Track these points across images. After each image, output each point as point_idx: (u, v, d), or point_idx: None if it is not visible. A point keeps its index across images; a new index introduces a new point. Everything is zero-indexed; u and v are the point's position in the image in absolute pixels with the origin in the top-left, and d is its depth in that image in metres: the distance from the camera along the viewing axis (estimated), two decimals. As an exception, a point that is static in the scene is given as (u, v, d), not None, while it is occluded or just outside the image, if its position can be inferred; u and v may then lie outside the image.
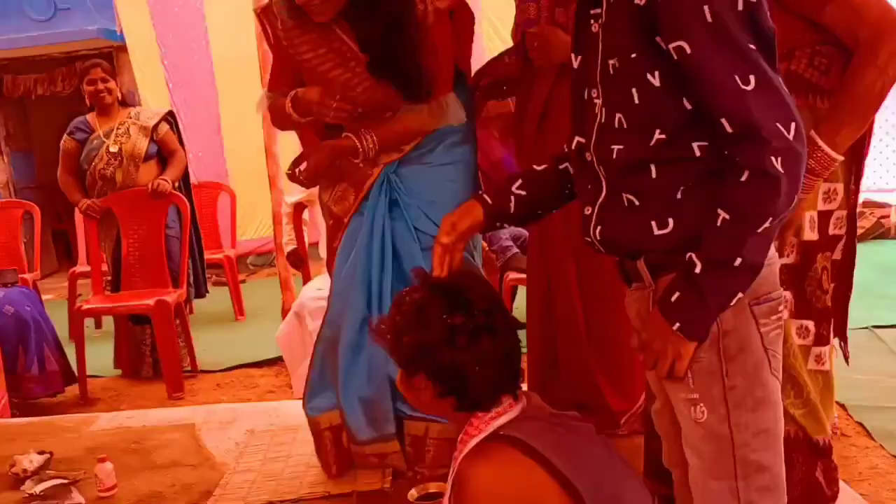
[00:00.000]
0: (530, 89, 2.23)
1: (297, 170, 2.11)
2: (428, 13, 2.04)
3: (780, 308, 1.29)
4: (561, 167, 1.50)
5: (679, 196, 1.23)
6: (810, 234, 1.72)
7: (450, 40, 2.10)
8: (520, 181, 1.52)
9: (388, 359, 1.92)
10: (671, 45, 1.15)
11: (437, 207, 2.05)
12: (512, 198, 1.51)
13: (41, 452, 2.61)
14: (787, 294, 1.72)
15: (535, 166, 1.55)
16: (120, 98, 4.11)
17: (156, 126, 4.06)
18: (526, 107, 2.26)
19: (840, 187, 1.72)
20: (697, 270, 1.18)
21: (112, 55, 6.68)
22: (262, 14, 2.17)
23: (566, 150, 1.47)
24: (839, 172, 1.70)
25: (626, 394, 2.32)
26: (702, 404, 1.26)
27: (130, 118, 4.06)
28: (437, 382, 1.37)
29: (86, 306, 3.96)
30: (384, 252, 2.18)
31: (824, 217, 1.73)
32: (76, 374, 3.83)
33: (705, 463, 1.28)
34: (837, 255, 1.76)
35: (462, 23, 2.14)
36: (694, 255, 1.19)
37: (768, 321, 1.26)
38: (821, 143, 1.58)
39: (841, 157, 1.60)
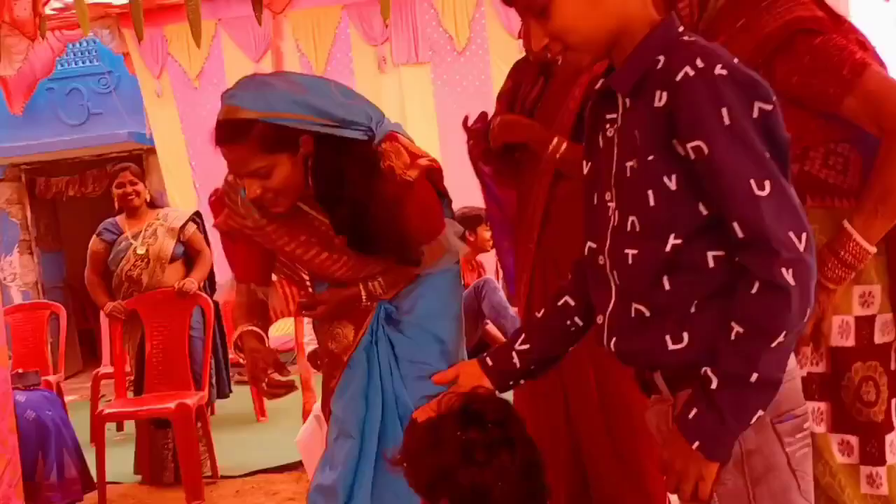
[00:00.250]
0: (529, 191, 2.17)
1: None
2: (399, 188, 1.83)
3: (805, 426, 1.23)
4: (560, 303, 1.45)
5: (693, 309, 1.18)
6: (841, 341, 1.60)
7: (431, 196, 1.94)
8: (522, 336, 1.46)
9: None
10: (689, 146, 1.13)
11: (434, 321, 1.98)
12: (515, 355, 1.45)
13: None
14: (822, 405, 1.62)
15: (535, 314, 1.50)
16: (148, 200, 4.17)
17: (183, 227, 4.10)
18: (525, 209, 2.17)
19: (877, 289, 1.61)
20: (714, 386, 1.13)
21: (142, 157, 6.86)
22: (226, 218, 1.99)
23: (567, 280, 1.45)
24: (873, 273, 1.60)
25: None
26: None
27: (158, 220, 4.11)
28: None
29: (107, 410, 3.92)
30: (384, 396, 1.96)
31: (864, 323, 1.60)
32: (95, 480, 3.74)
33: None
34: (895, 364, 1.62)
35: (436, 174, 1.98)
36: (709, 370, 1.14)
37: (793, 439, 1.20)
38: (854, 234, 1.51)
39: (874, 249, 1.53)
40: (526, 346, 1.44)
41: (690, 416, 1.15)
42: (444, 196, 2.03)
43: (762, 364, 1.11)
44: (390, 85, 6.06)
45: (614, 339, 1.27)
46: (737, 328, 1.12)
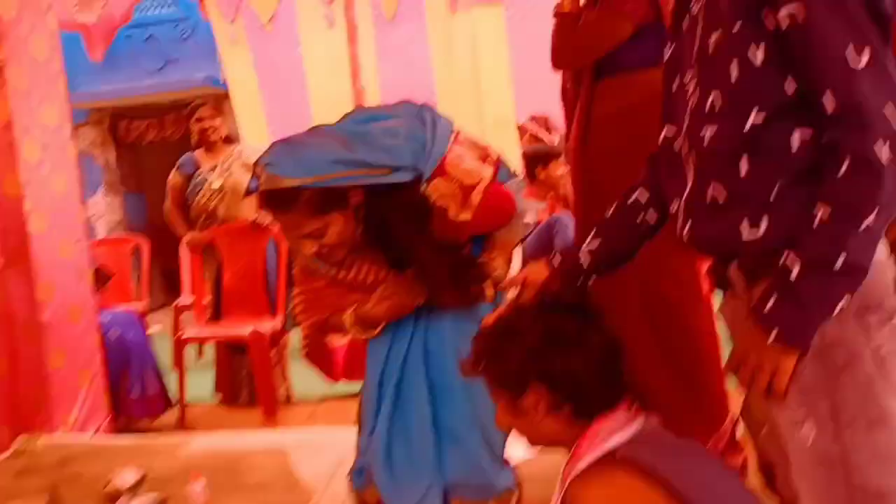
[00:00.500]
0: (573, 105, 2.19)
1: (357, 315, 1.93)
2: (454, 226, 1.81)
3: (894, 321, 1.15)
4: (630, 199, 1.42)
5: (774, 194, 1.13)
6: None
7: (489, 214, 1.87)
8: (591, 235, 1.45)
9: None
10: (782, 12, 1.07)
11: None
12: (583, 254, 1.43)
13: (135, 472, 2.68)
14: None
15: (605, 214, 1.47)
16: (224, 136, 4.29)
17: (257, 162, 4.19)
18: (571, 122, 2.23)
19: None
20: (794, 274, 1.08)
21: (217, 102, 7.00)
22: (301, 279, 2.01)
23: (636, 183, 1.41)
24: None
25: (707, 417, 2.19)
26: (807, 425, 1.13)
27: (233, 155, 4.22)
28: (551, 389, 1.26)
29: (186, 334, 4.10)
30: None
31: None
32: (175, 400, 3.95)
33: (816, 492, 1.15)
34: None
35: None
36: (789, 258, 1.09)
37: (880, 333, 1.12)
38: None
39: None
40: (595, 245, 1.42)
41: (768, 306, 1.11)
42: (509, 174, 1.98)
43: (849, 248, 1.04)
44: (461, 26, 6.00)
45: (689, 224, 1.24)
46: (822, 210, 1.06)
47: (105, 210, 7.69)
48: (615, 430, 1.26)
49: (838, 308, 1.08)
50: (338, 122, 1.84)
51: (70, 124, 3.50)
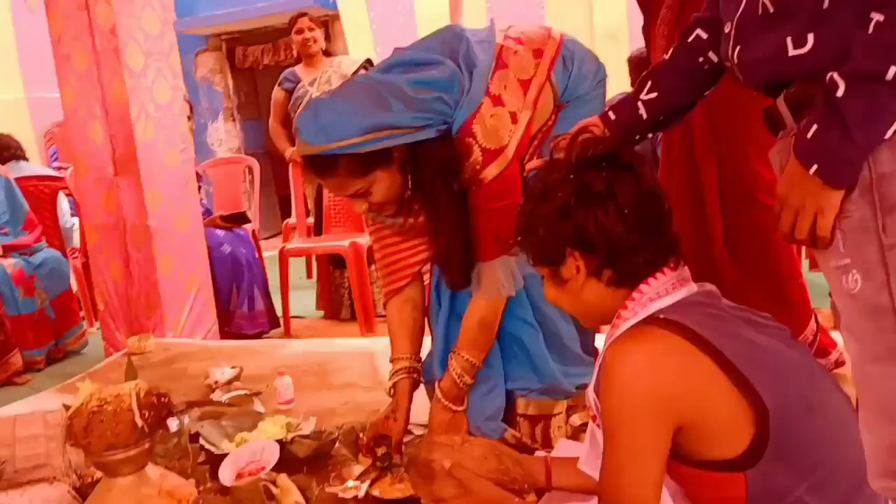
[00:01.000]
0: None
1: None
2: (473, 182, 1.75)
3: None
4: (691, 38, 1.27)
5: (826, 6, 0.96)
6: None
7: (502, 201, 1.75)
8: (648, 84, 1.30)
9: None
10: None
11: None
12: (641, 105, 1.29)
13: (232, 369, 2.77)
14: None
15: (663, 57, 1.32)
16: (324, 48, 4.26)
17: (355, 73, 4.16)
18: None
19: None
20: (840, 92, 0.92)
21: (327, 24, 7.01)
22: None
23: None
24: None
25: (790, 317, 2.00)
26: (854, 270, 0.99)
27: (332, 67, 4.19)
28: (586, 252, 1.16)
29: (289, 246, 4.18)
30: None
31: None
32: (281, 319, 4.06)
33: (865, 345, 1.00)
34: None
35: None
36: (836, 74, 0.93)
37: None
38: None
39: None
40: (653, 95, 1.29)
41: (809, 134, 0.96)
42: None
43: None
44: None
45: (738, 47, 1.10)
46: (877, 17, 0.90)
47: (224, 137, 7.93)
48: (660, 295, 1.15)
49: (892, 131, 0.92)
50: (375, 69, 1.79)
51: (172, 32, 3.56)
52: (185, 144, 3.65)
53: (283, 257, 4.11)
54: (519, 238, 1.25)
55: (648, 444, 1.07)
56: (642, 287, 1.16)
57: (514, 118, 1.73)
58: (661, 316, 1.12)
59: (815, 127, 0.96)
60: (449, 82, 1.69)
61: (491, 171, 1.71)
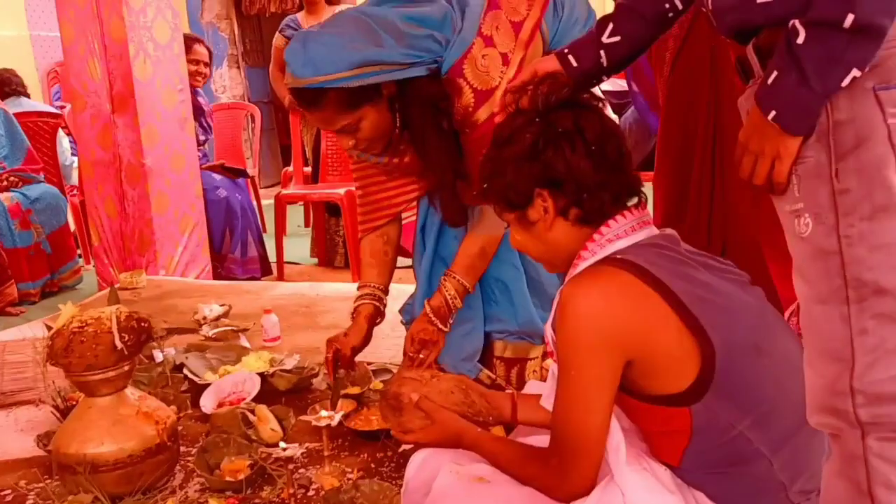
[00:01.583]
0: None
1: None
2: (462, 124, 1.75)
3: None
4: None
5: None
6: None
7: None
8: (610, 27, 1.28)
9: None
10: None
11: None
12: (603, 52, 1.28)
13: (221, 306, 2.82)
14: None
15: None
16: (328, -5, 4.23)
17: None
18: None
19: None
20: (800, 39, 0.93)
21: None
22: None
23: None
24: None
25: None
26: (807, 214, 1.00)
27: (334, 15, 4.16)
28: (553, 191, 1.17)
29: (285, 192, 4.21)
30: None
31: None
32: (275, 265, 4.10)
33: (812, 286, 1.01)
34: None
35: None
36: (798, 21, 0.94)
37: None
38: None
39: None
40: (616, 39, 1.28)
41: (770, 80, 0.98)
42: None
43: (861, 1, 0.90)
44: None
45: None
46: None
47: (229, 83, 7.90)
48: (619, 237, 1.18)
49: (849, 79, 0.93)
50: (368, 1, 1.76)
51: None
52: (183, 85, 3.65)
53: (280, 203, 4.14)
54: (485, 185, 1.25)
55: (599, 377, 1.11)
56: (602, 229, 1.18)
57: (505, 59, 1.73)
58: (618, 256, 1.15)
59: (774, 73, 0.98)
60: (441, 20, 1.68)
61: (483, 113, 1.72)
